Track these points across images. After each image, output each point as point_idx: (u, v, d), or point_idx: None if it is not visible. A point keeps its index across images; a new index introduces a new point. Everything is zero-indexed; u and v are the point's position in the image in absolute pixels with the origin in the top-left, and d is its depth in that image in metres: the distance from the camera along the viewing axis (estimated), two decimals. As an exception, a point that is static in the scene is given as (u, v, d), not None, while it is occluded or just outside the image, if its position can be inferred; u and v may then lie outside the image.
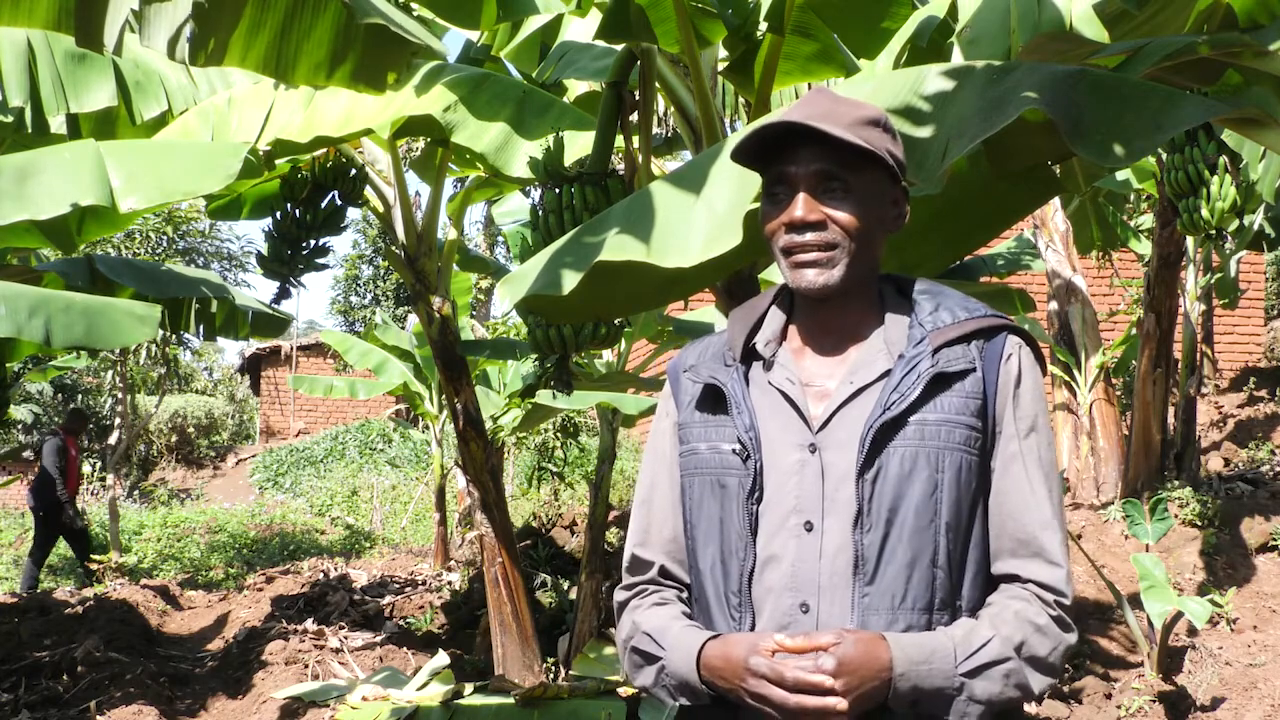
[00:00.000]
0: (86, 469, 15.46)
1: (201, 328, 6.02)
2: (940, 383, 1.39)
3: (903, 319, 1.46)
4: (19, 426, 16.06)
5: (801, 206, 1.39)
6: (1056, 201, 7.55)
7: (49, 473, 9.78)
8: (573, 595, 6.42)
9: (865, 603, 1.36)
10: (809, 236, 1.40)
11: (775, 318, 1.51)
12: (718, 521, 1.44)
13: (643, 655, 1.47)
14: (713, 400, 1.48)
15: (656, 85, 3.12)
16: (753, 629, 1.40)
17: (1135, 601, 4.79)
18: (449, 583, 8.32)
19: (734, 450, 1.43)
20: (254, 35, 2.49)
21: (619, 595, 1.57)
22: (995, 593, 1.42)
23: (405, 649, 6.03)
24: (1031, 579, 1.40)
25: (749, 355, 1.49)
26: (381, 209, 4.99)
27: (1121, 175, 6.75)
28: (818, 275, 1.40)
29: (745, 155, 1.45)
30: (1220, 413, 10.02)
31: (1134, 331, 7.68)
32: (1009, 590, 1.41)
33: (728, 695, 1.36)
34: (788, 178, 1.41)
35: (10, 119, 4.44)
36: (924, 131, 2.09)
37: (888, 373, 1.41)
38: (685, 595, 1.53)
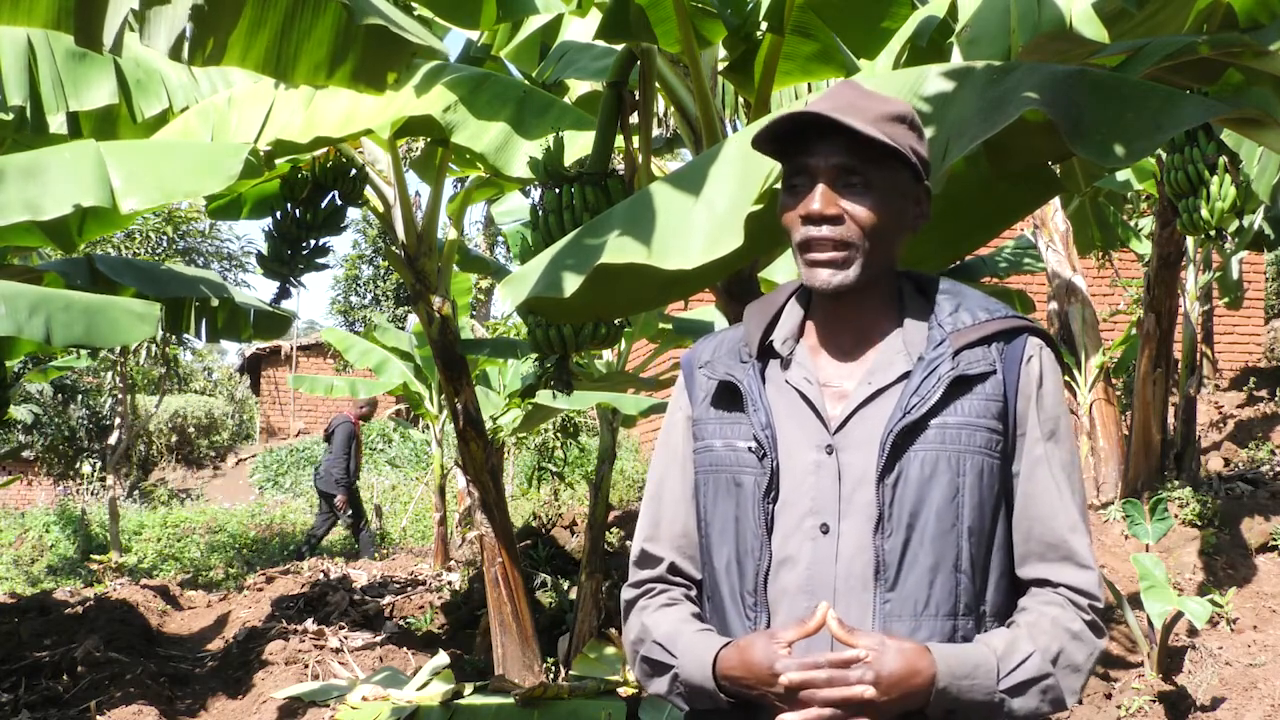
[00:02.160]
0: (86, 469, 15.47)
1: (204, 329, 6.00)
2: (961, 385, 1.38)
3: (921, 319, 1.44)
4: (19, 426, 16.03)
5: (819, 200, 1.37)
6: (1056, 201, 7.55)
7: (339, 457, 10.04)
8: (573, 595, 6.41)
9: (887, 609, 1.34)
10: (825, 231, 1.38)
11: (792, 314, 1.49)
12: (733, 520, 1.43)
13: (653, 664, 1.45)
14: (728, 397, 1.46)
15: (656, 85, 3.12)
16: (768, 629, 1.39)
17: (1135, 601, 4.79)
18: (449, 583, 8.31)
19: (750, 448, 1.42)
20: (254, 35, 2.49)
21: (627, 594, 1.55)
22: (1027, 597, 1.41)
23: (405, 649, 6.02)
24: (1063, 583, 1.39)
25: (765, 352, 1.48)
26: (381, 209, 4.99)
27: (1121, 175, 6.75)
28: (832, 274, 1.38)
29: (765, 144, 1.43)
30: (1220, 413, 10.02)
31: (1134, 331, 7.68)
32: (1042, 595, 1.40)
33: (751, 699, 1.35)
34: (807, 169, 1.39)
35: (10, 116, 4.44)
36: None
37: (907, 374, 1.39)
38: (694, 593, 1.52)
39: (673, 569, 1.52)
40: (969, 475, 1.36)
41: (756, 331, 1.48)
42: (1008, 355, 1.41)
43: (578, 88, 4.34)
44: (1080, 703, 4.56)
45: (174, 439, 19.77)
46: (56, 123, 4.50)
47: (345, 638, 6.31)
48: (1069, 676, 1.34)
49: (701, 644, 1.40)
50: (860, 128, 1.34)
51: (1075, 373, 7.67)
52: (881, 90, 2.23)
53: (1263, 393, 10.25)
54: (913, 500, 1.35)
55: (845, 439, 1.39)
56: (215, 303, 5.80)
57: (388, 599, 7.74)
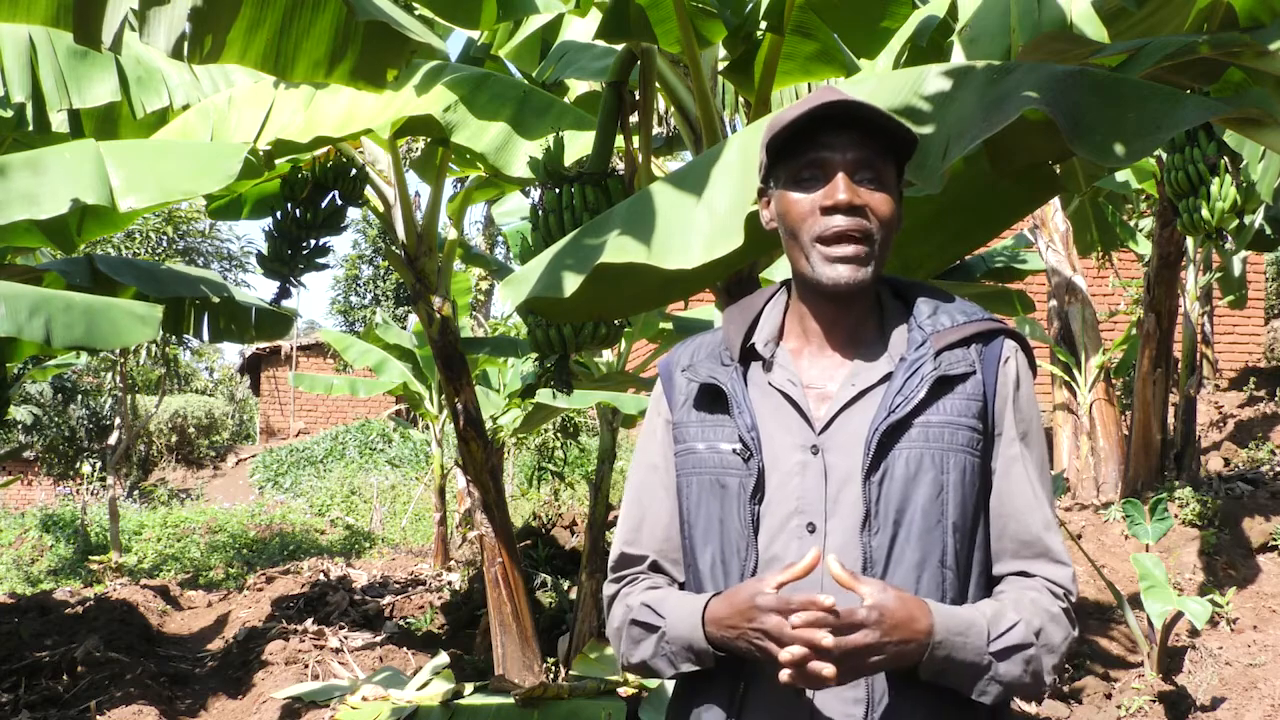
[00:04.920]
0: (86, 469, 15.47)
1: (206, 329, 5.99)
2: (943, 385, 1.40)
3: (901, 321, 1.46)
4: (19, 427, 16.02)
5: (844, 189, 1.36)
6: (1056, 201, 7.56)
7: None
8: (573, 595, 6.41)
9: None
10: (851, 222, 1.37)
11: (771, 318, 1.50)
12: (717, 521, 1.44)
13: (642, 626, 1.45)
14: (710, 399, 1.47)
15: (656, 85, 3.13)
16: None
17: (1135, 601, 4.79)
18: (449, 583, 8.32)
19: (735, 450, 1.42)
20: (253, 32, 2.49)
21: (608, 589, 1.56)
22: (1005, 583, 1.43)
23: (405, 649, 6.03)
24: (1041, 575, 1.41)
25: (745, 355, 1.49)
26: (381, 209, 4.99)
27: (1121, 175, 6.75)
28: (855, 271, 1.38)
29: (780, 140, 1.41)
30: (1220, 413, 10.02)
31: (1134, 331, 7.68)
32: (1020, 581, 1.42)
33: (733, 648, 1.34)
34: (822, 162, 1.38)
35: (10, 113, 4.44)
36: (924, 131, 2.09)
37: (889, 376, 1.41)
38: (676, 588, 1.52)
39: (654, 567, 1.53)
40: (952, 473, 1.38)
41: (737, 335, 1.49)
42: (986, 356, 1.43)
43: (578, 88, 4.34)
44: (1080, 702, 4.57)
45: (174, 439, 19.77)
46: (58, 120, 4.50)
47: (345, 638, 6.31)
48: (1046, 655, 1.36)
49: (690, 601, 1.42)
50: (887, 116, 1.35)
51: (1075, 372, 7.67)
52: (881, 90, 2.24)
53: (1262, 393, 10.25)
54: (899, 498, 1.36)
55: (830, 439, 1.40)
56: (216, 301, 5.80)
57: (388, 599, 7.74)
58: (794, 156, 1.41)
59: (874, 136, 1.37)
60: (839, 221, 1.37)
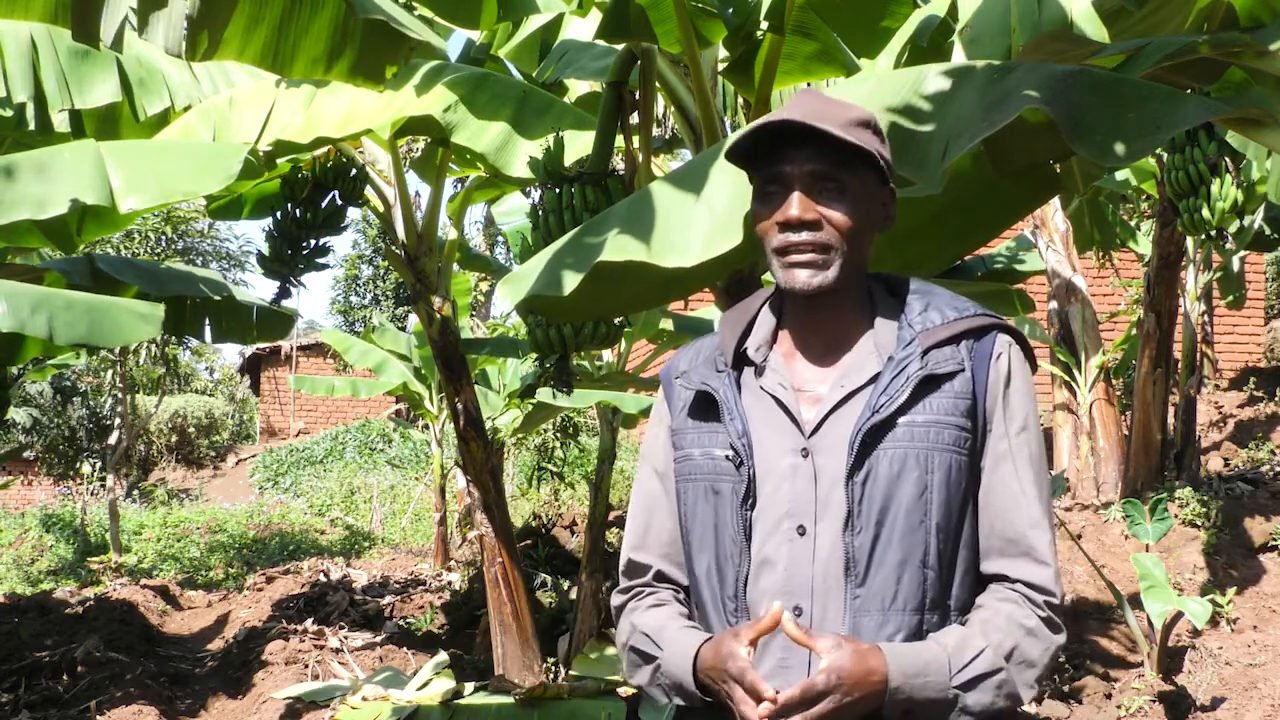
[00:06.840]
0: (86, 469, 15.47)
1: (208, 330, 5.99)
2: (929, 384, 1.40)
3: (892, 320, 1.46)
4: (18, 428, 16.01)
5: (797, 205, 1.39)
6: (1056, 201, 7.54)
7: None
8: (573, 595, 6.42)
9: (856, 604, 1.36)
10: (804, 236, 1.39)
11: (765, 322, 1.51)
12: (712, 527, 1.45)
13: (640, 654, 1.48)
14: (705, 406, 1.48)
15: (656, 85, 3.13)
16: None
17: (1135, 601, 4.79)
18: (449, 583, 8.32)
19: (727, 456, 1.43)
20: (252, 29, 2.50)
21: (616, 599, 1.57)
22: (985, 594, 1.43)
23: (405, 649, 6.03)
24: (1020, 579, 1.41)
25: (740, 360, 1.49)
26: (381, 209, 4.99)
27: (1121, 175, 6.75)
28: (811, 276, 1.40)
29: (738, 155, 1.45)
30: (1220, 413, 10.02)
31: (1134, 331, 7.68)
32: (998, 592, 1.42)
33: (718, 695, 1.37)
34: (782, 177, 1.41)
35: (10, 113, 4.43)
36: (924, 131, 2.09)
37: (878, 375, 1.41)
38: (682, 596, 1.54)
39: (660, 576, 1.54)
40: (937, 472, 1.38)
41: (731, 340, 1.50)
42: (977, 353, 1.43)
43: (578, 88, 4.34)
44: (1080, 702, 4.58)
45: (174, 439, 19.76)
46: (59, 120, 4.49)
47: (345, 638, 6.31)
48: (1024, 671, 1.36)
49: (686, 639, 1.43)
50: (834, 132, 1.35)
51: (1075, 373, 7.67)
52: (881, 90, 2.25)
53: (1262, 393, 10.25)
54: (882, 497, 1.37)
55: (820, 441, 1.40)
56: (216, 300, 5.79)
57: (388, 599, 7.74)
58: (760, 169, 1.44)
59: (835, 146, 1.38)
60: (793, 237, 1.40)
